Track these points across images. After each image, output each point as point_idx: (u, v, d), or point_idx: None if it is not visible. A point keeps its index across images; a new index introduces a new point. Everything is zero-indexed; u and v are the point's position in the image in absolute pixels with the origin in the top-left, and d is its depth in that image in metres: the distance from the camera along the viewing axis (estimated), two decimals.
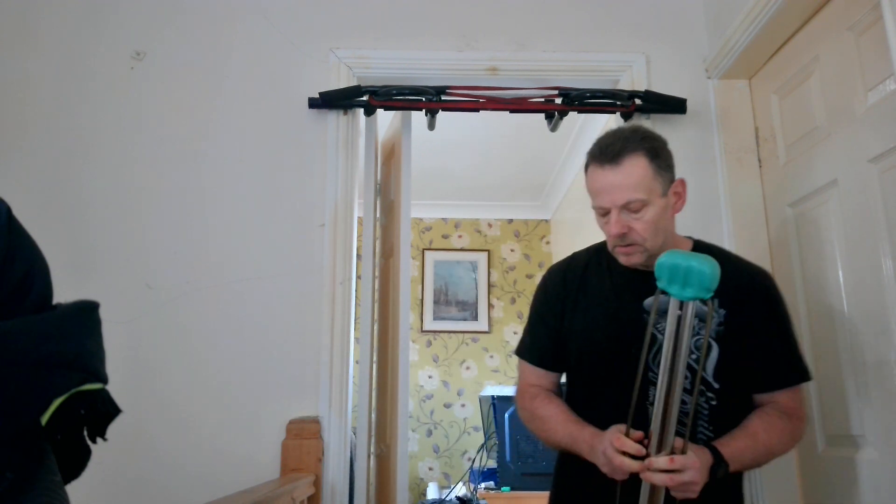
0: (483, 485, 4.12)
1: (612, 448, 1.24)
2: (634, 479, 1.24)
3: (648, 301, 1.39)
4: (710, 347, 1.37)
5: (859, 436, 1.71)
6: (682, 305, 1.17)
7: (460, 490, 4.19)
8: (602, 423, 1.35)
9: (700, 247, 1.51)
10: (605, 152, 1.37)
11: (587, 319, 1.46)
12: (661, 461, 1.18)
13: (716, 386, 1.38)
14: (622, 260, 1.42)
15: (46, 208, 2.16)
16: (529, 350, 1.57)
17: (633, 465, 1.21)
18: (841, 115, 1.78)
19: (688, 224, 2.19)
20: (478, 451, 4.27)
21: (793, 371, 1.43)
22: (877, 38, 1.59)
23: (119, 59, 2.30)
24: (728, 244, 2.17)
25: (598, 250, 1.54)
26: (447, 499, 4.13)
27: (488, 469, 4.22)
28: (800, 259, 1.99)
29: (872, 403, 1.66)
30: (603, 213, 1.40)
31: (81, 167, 2.21)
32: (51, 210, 2.16)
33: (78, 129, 2.24)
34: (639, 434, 1.24)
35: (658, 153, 1.39)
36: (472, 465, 4.36)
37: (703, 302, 1.18)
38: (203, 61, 2.31)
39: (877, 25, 1.59)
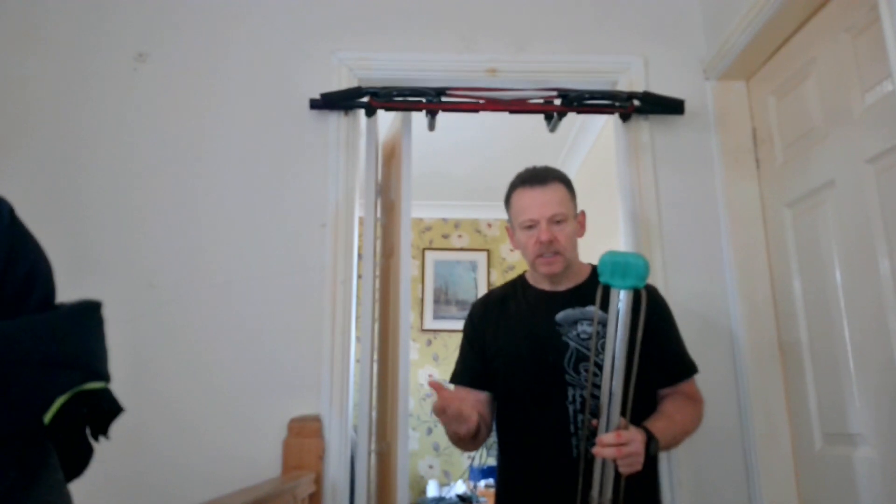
0: (483, 482, 4.14)
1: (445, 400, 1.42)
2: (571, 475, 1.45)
3: (560, 315, 1.63)
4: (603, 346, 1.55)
5: (857, 434, 1.72)
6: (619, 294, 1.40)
7: (460, 488, 4.21)
8: (530, 427, 1.58)
9: (597, 270, 1.69)
10: (534, 177, 1.65)
11: (509, 338, 1.67)
12: (610, 436, 1.36)
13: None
14: (544, 270, 1.63)
15: (48, 208, 2.16)
16: (462, 374, 1.74)
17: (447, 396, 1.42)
18: (838, 116, 1.79)
19: (686, 224, 2.21)
20: (477, 450, 4.28)
21: (687, 367, 1.68)
22: (874, 40, 1.60)
23: (121, 61, 2.30)
24: (725, 245, 2.18)
25: (513, 283, 1.79)
26: (447, 496, 4.14)
27: (488, 467, 4.23)
28: (797, 259, 1.99)
29: (870, 402, 1.67)
30: (530, 227, 1.63)
31: (83, 168, 2.22)
32: (52, 210, 2.17)
33: (80, 130, 2.25)
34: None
35: (570, 185, 1.69)
36: (471, 463, 4.37)
37: (637, 291, 1.39)
38: (204, 63, 2.32)
39: (874, 27, 1.60)
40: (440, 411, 1.42)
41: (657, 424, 1.50)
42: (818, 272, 1.88)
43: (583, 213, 1.72)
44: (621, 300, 1.37)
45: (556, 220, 1.61)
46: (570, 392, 1.56)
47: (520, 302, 1.71)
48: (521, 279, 1.78)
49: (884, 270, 1.61)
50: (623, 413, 1.41)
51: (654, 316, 1.61)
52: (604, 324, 1.55)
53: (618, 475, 1.39)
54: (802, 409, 1.95)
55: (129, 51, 2.31)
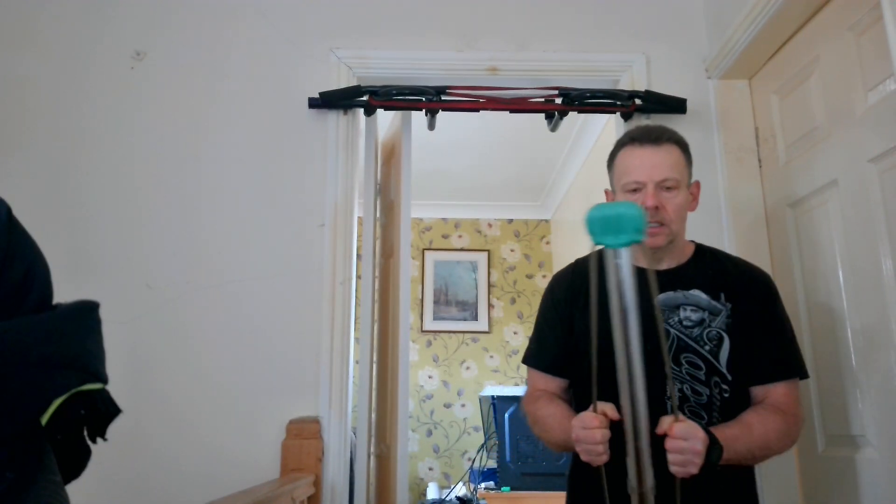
0: (483, 485, 4.12)
1: (578, 427, 1.24)
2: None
3: (660, 298, 1.43)
4: (721, 339, 1.40)
5: (859, 436, 1.71)
6: (616, 254, 1.16)
7: (460, 490, 4.19)
8: (619, 425, 1.33)
9: (702, 249, 1.55)
10: (646, 135, 1.46)
11: (598, 319, 1.44)
12: (666, 421, 1.18)
13: (729, 378, 1.40)
14: (647, 242, 1.39)
15: (46, 208, 2.16)
16: (537, 356, 1.56)
17: (598, 435, 1.21)
18: (841, 116, 1.78)
19: (689, 224, 2.20)
20: (478, 451, 4.27)
21: (788, 365, 1.44)
22: (877, 39, 1.59)
23: (119, 59, 2.30)
24: (728, 244, 2.18)
25: (602, 255, 1.55)
26: (447, 499, 4.13)
27: (488, 469, 4.22)
28: (800, 259, 1.99)
29: (872, 403, 1.67)
30: (635, 190, 1.43)
31: (81, 167, 2.21)
32: (51, 210, 2.16)
33: (78, 129, 2.24)
34: (609, 406, 1.23)
35: (687, 149, 1.50)
36: (472, 465, 4.36)
37: (639, 244, 1.14)
38: (203, 61, 2.31)
39: (877, 25, 1.59)
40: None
41: (727, 431, 1.29)
42: (821, 272, 1.87)
43: (697, 183, 1.54)
44: (622, 260, 1.13)
45: (665, 186, 1.41)
46: (669, 386, 1.34)
47: (609, 279, 1.52)
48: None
49: (887, 271, 1.60)
50: (660, 407, 1.24)
51: (759, 304, 1.45)
52: (711, 311, 1.41)
53: (671, 476, 1.19)
54: (805, 411, 1.94)
55: (128, 50, 2.30)
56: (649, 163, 1.42)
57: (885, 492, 1.62)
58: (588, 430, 1.22)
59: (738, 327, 1.42)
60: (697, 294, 1.44)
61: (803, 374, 1.46)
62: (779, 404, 1.40)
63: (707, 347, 1.39)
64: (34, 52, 2.29)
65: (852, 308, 1.74)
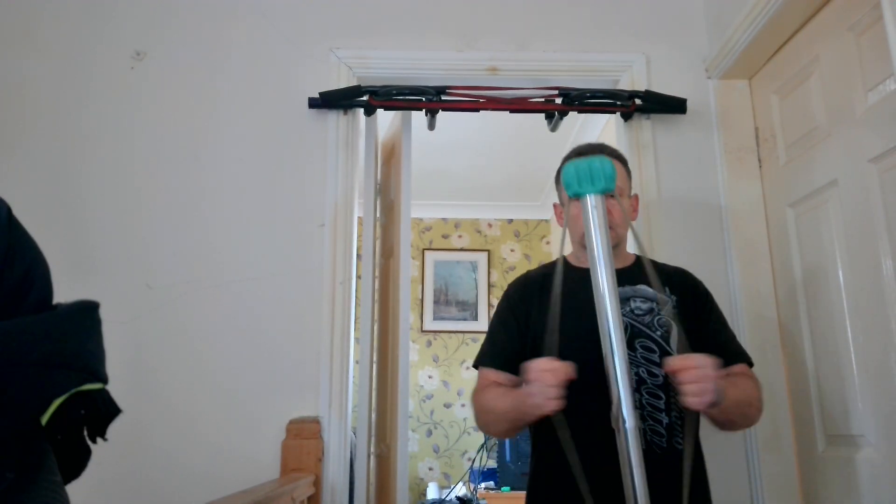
0: (483, 485, 4.13)
1: (536, 368, 1.28)
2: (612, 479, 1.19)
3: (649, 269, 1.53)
4: (670, 326, 1.51)
5: (859, 436, 1.71)
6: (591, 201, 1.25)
7: (460, 490, 4.20)
8: (578, 409, 1.37)
9: (640, 258, 1.66)
10: (591, 150, 1.60)
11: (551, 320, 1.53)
12: (673, 359, 1.23)
13: None
14: None
15: (46, 208, 2.15)
16: (491, 355, 1.62)
17: (556, 376, 1.25)
18: (841, 115, 1.78)
19: (689, 224, 2.20)
20: (478, 451, 4.27)
21: (743, 351, 1.57)
22: (877, 38, 1.59)
23: (119, 59, 2.30)
24: (728, 244, 2.18)
25: (553, 264, 1.67)
26: (447, 499, 4.13)
27: (488, 469, 4.22)
28: (800, 259, 1.99)
29: (872, 403, 1.67)
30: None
31: (81, 167, 2.21)
32: (51, 210, 2.16)
33: (78, 129, 2.24)
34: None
35: (626, 164, 1.64)
36: (472, 465, 4.36)
37: (612, 196, 1.28)
38: (203, 61, 2.31)
39: (877, 25, 1.59)
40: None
41: (720, 381, 1.32)
42: (821, 272, 1.87)
43: (636, 196, 1.68)
44: (597, 206, 1.23)
45: (610, 193, 1.50)
46: (633, 371, 1.44)
47: (564, 280, 1.54)
48: (563, 260, 1.63)
49: (887, 271, 1.60)
50: (656, 405, 1.36)
51: (702, 299, 1.60)
52: (659, 301, 1.52)
53: (682, 422, 1.27)
54: (805, 411, 1.94)
55: (128, 50, 2.30)
56: None
57: (885, 492, 1.62)
58: (546, 371, 1.26)
59: (685, 316, 1.52)
60: (644, 288, 1.55)
61: (750, 361, 1.57)
62: (747, 375, 1.51)
63: (658, 333, 1.49)
64: (34, 52, 2.29)
65: (852, 308, 1.74)
